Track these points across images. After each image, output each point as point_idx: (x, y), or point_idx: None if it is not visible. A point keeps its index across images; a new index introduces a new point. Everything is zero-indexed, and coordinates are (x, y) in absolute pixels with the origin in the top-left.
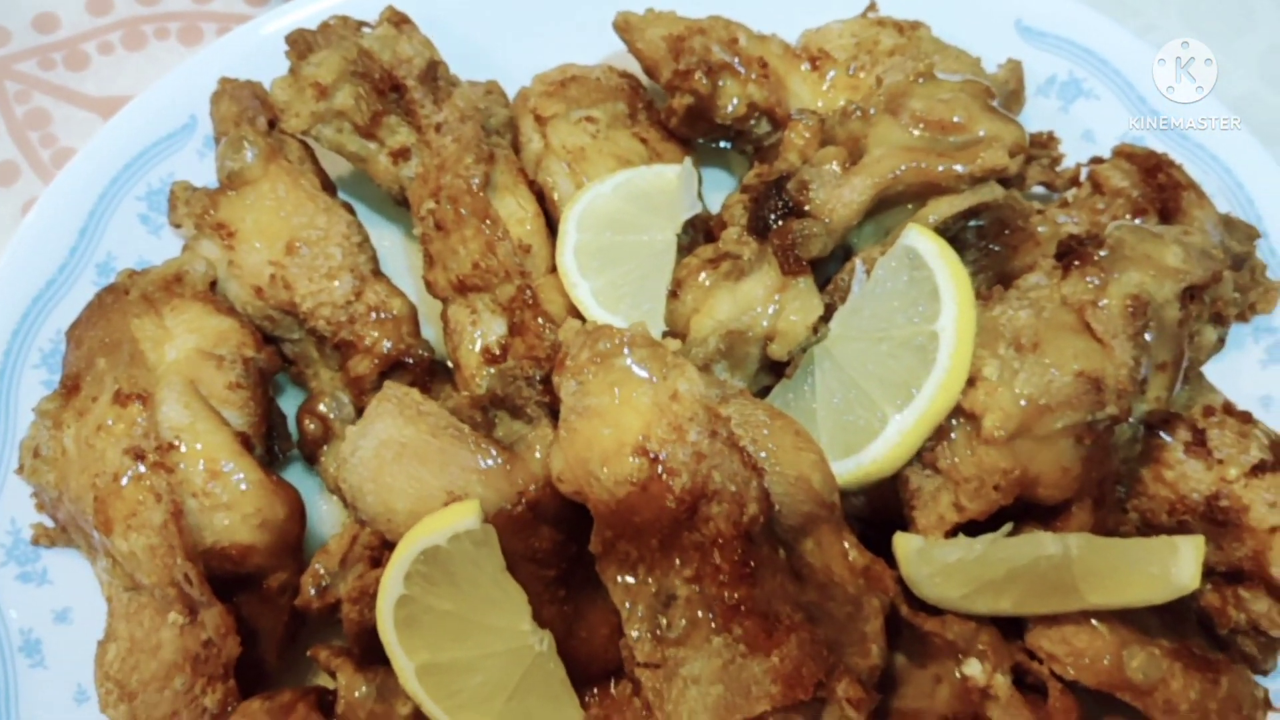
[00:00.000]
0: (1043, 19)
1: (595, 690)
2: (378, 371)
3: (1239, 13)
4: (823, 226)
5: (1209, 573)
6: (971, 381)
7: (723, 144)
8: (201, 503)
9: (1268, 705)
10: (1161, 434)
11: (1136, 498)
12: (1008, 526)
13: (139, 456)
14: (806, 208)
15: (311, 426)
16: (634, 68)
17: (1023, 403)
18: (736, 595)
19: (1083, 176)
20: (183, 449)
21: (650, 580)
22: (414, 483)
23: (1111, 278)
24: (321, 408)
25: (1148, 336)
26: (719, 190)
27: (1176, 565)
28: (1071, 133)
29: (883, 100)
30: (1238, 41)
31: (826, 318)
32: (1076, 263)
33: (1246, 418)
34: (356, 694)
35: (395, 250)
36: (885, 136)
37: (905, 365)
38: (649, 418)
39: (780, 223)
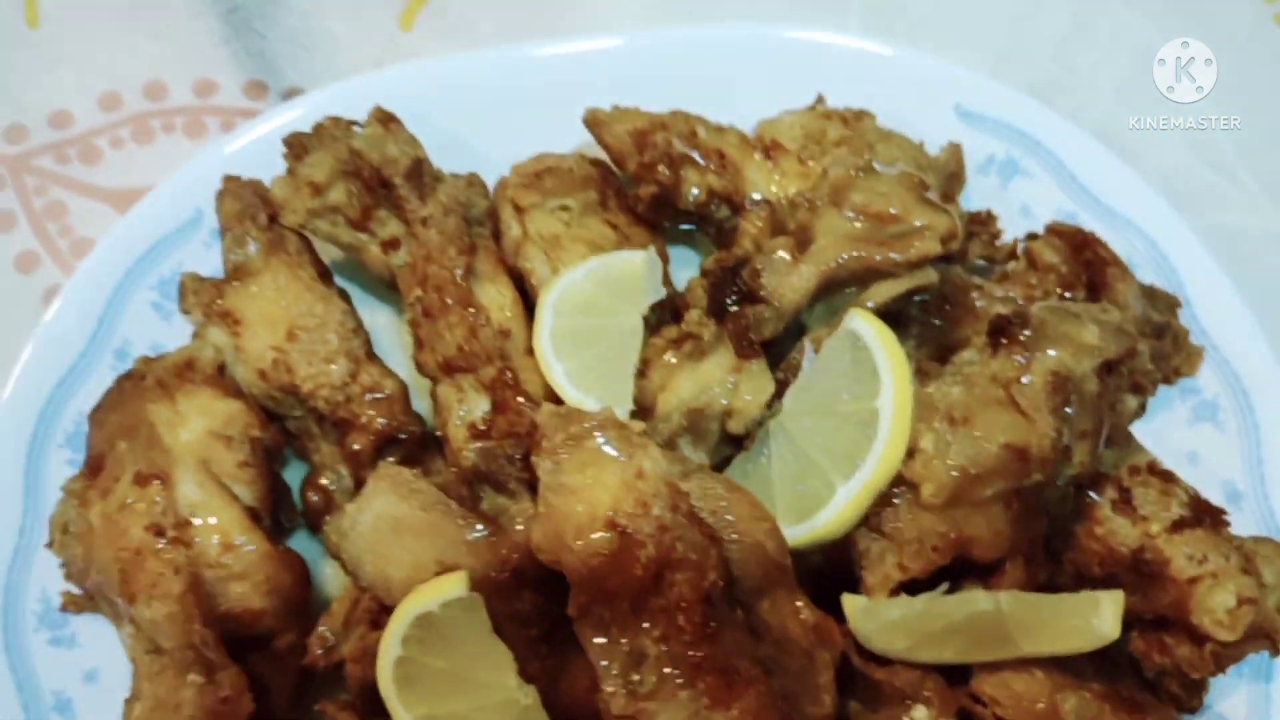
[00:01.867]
0: (980, 103)
1: None
2: (373, 446)
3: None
4: (774, 311)
5: (1137, 620)
6: (910, 453)
7: (687, 226)
8: (216, 573)
9: None
10: (1091, 494)
11: (1070, 551)
12: (944, 585)
13: (159, 532)
14: (760, 293)
15: (314, 498)
16: (604, 155)
17: (954, 473)
18: (700, 653)
19: (1019, 251)
20: (198, 524)
21: (623, 640)
22: (408, 554)
23: (1035, 356)
24: (323, 481)
25: (1069, 409)
26: (686, 266)
27: (1098, 617)
28: (1010, 208)
29: (827, 192)
30: (1171, 116)
31: (780, 394)
32: (1004, 341)
33: (1169, 476)
34: None
35: (388, 329)
36: (830, 227)
37: (850, 438)
38: (617, 494)
39: (736, 306)
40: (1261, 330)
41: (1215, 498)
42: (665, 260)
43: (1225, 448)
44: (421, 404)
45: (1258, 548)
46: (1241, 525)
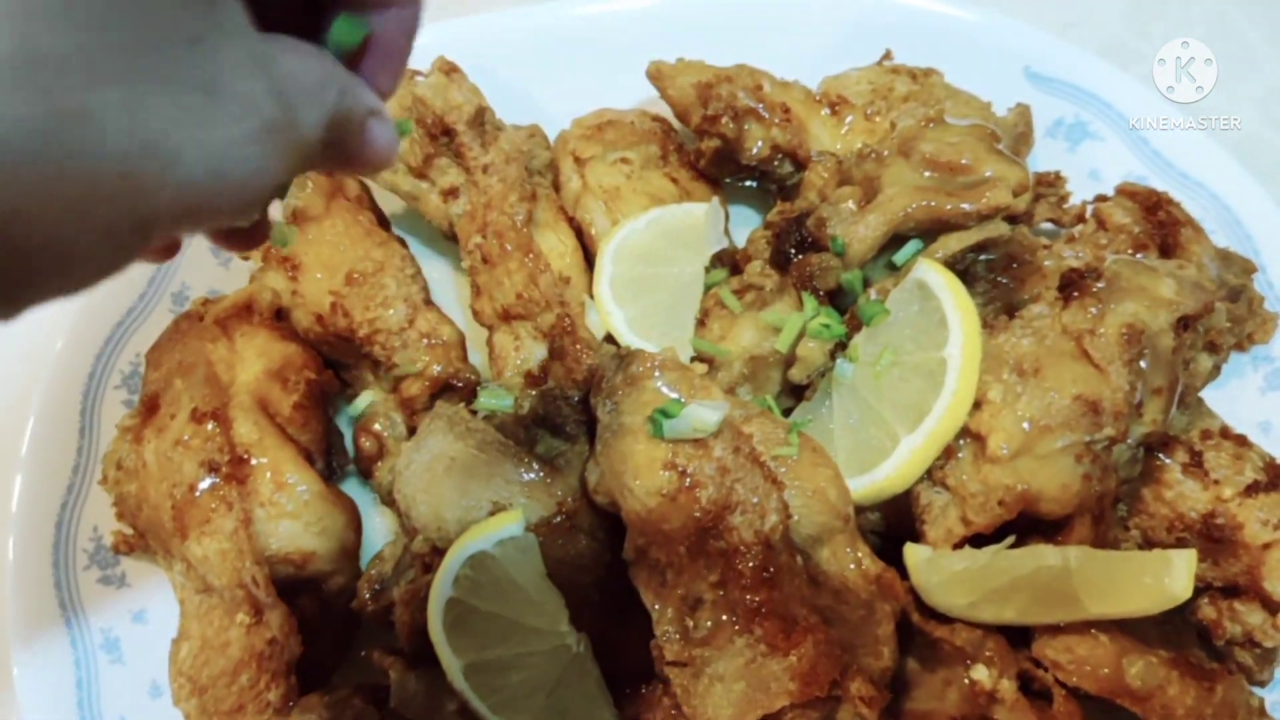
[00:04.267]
0: (1050, 65)
1: (628, 690)
2: (429, 393)
3: (1240, 57)
4: (840, 259)
5: (1207, 588)
6: (978, 404)
7: (749, 183)
8: (268, 511)
9: (1262, 714)
10: (1161, 456)
11: (1138, 515)
12: (1010, 539)
13: (213, 469)
14: (825, 242)
15: (367, 444)
16: (666, 112)
17: (1025, 424)
18: (757, 599)
19: (1088, 214)
20: (252, 463)
21: (679, 585)
22: (462, 494)
23: (1108, 308)
24: (377, 426)
25: (1142, 363)
26: (745, 226)
27: (1170, 576)
28: (1079, 172)
29: (895, 143)
30: (1239, 86)
31: (844, 344)
32: (1076, 294)
33: (1242, 441)
34: (407, 691)
35: (445, 281)
36: (898, 177)
37: (916, 388)
38: None
39: (800, 256)
40: None
41: None
42: (726, 216)
43: None
44: (477, 356)
45: None
46: None
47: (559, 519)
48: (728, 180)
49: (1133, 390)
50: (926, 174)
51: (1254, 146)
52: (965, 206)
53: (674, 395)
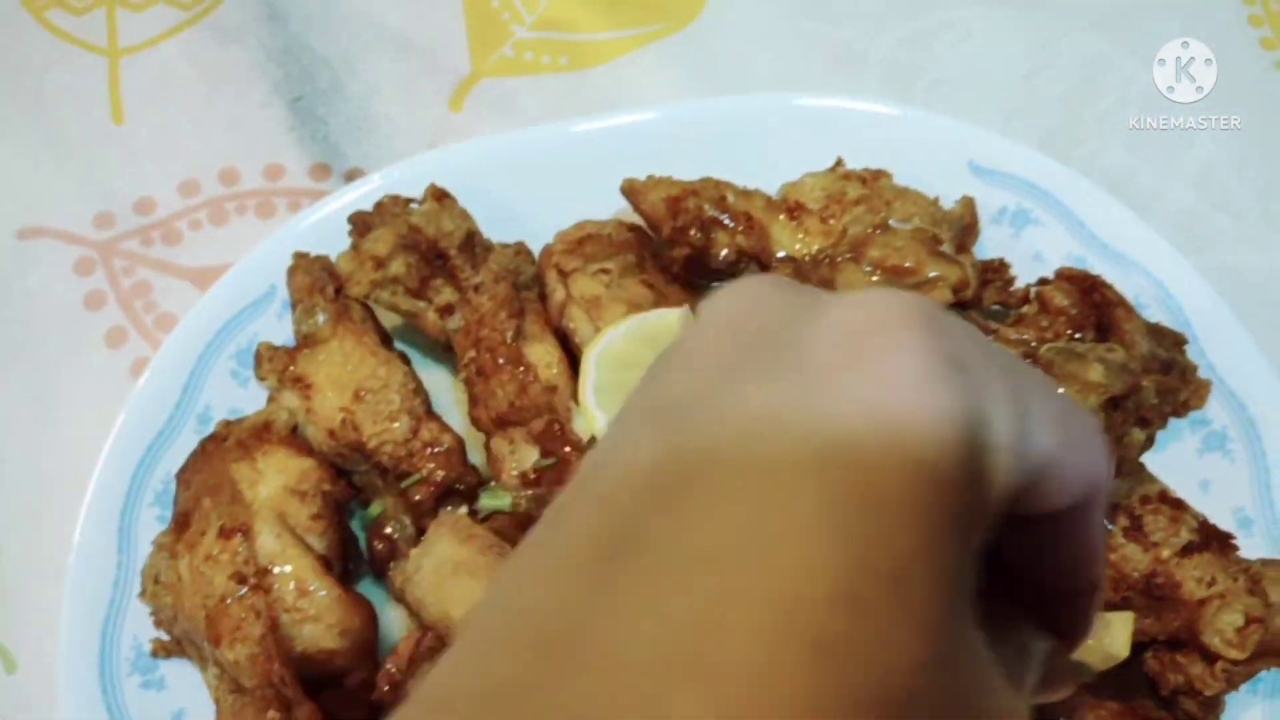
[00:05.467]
0: (992, 159)
1: None
2: (433, 497)
3: (1175, 131)
4: None
5: (1152, 642)
6: None
7: (720, 284)
8: (293, 616)
9: None
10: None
11: None
12: None
13: (241, 580)
14: None
15: (379, 546)
16: (641, 220)
17: None
18: None
19: (1032, 295)
20: (276, 572)
21: None
22: (467, 594)
23: None
24: (388, 530)
25: None
26: None
27: (1110, 637)
28: (1023, 255)
29: (846, 249)
30: (1173, 161)
31: None
32: None
33: (1179, 504)
34: None
35: (445, 387)
36: (850, 280)
37: None
38: None
39: None
40: (1266, 361)
41: (1228, 523)
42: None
43: (1235, 476)
44: (477, 457)
45: (1265, 569)
46: (1253, 549)
47: None
48: (700, 282)
49: None
50: (875, 277)
51: (1188, 220)
52: None
53: None
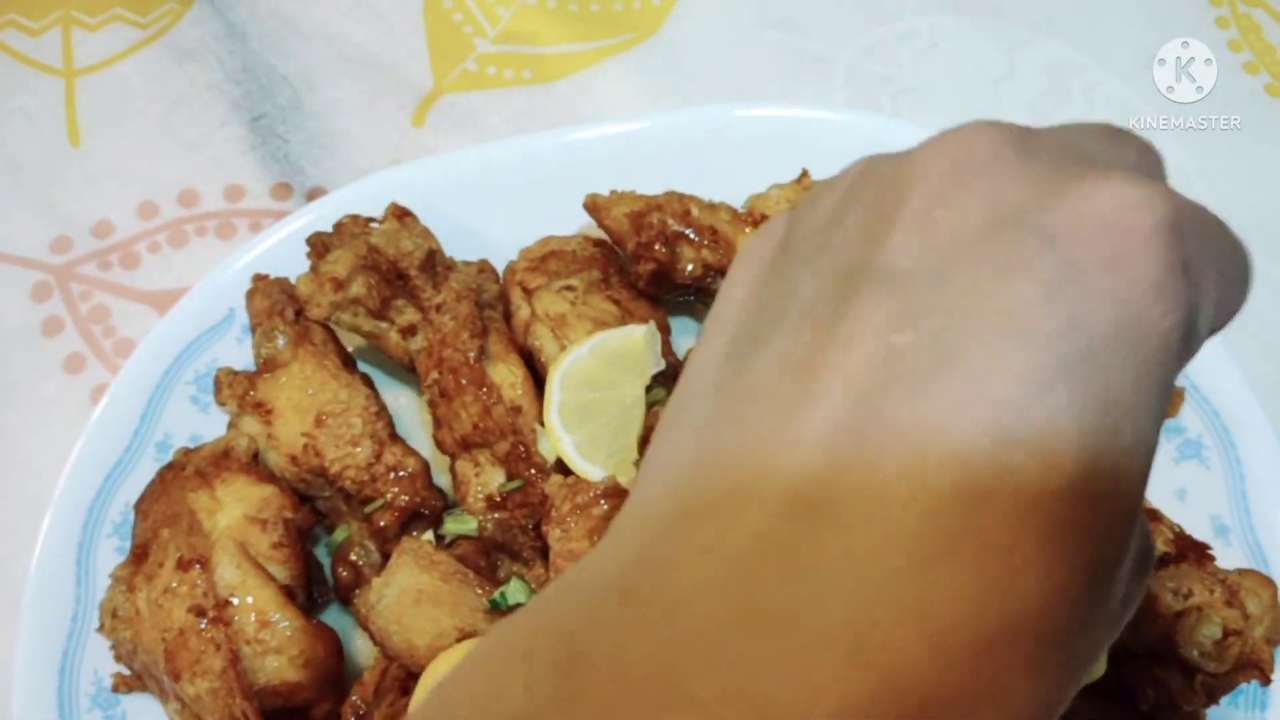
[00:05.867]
0: None
1: None
2: (398, 522)
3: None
4: None
5: (1132, 655)
6: None
7: (687, 297)
8: (254, 649)
9: None
10: None
11: None
12: None
13: (200, 613)
14: None
15: (344, 573)
16: (604, 233)
17: None
18: None
19: None
20: (236, 604)
21: None
22: (431, 623)
23: None
24: (352, 557)
25: None
26: (686, 334)
27: None
28: None
29: None
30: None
31: None
32: None
33: (1154, 515)
34: None
35: (410, 408)
36: None
37: None
38: None
39: None
40: (1238, 369)
41: (1204, 531)
42: (667, 331)
43: (1211, 484)
44: (443, 479)
45: (1242, 580)
46: (1230, 558)
47: None
48: (666, 297)
49: None
50: None
51: None
52: None
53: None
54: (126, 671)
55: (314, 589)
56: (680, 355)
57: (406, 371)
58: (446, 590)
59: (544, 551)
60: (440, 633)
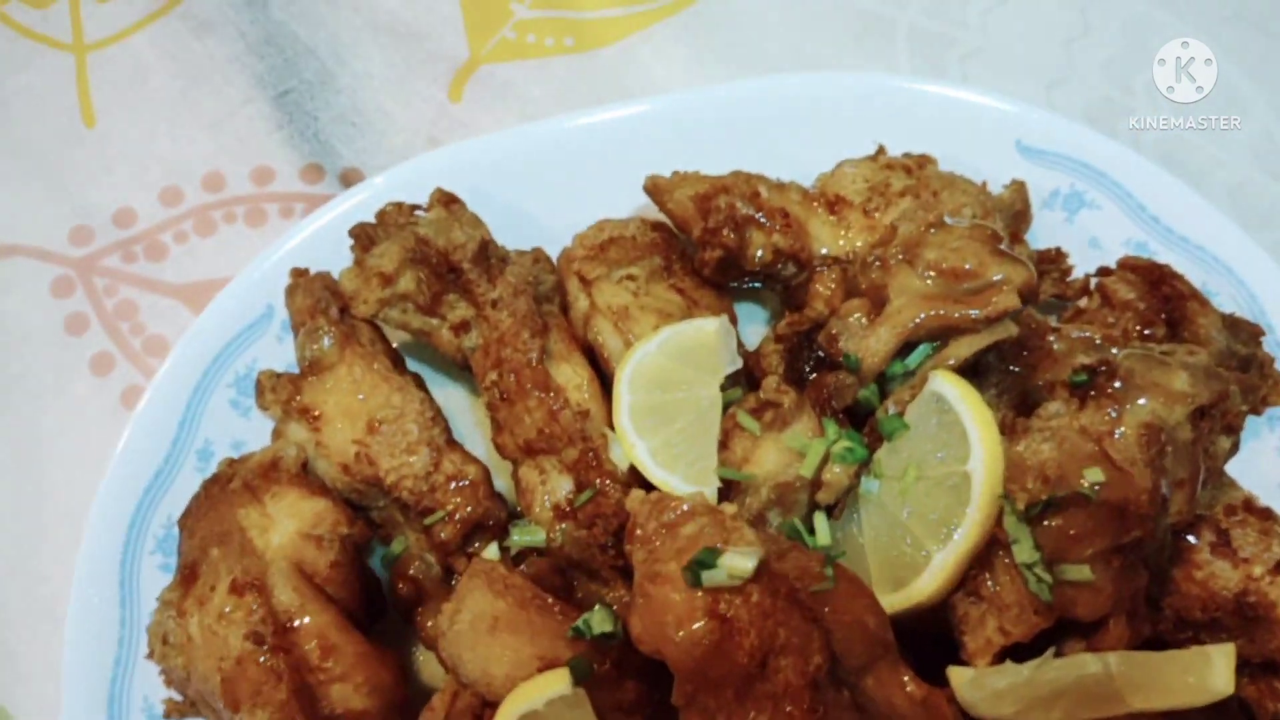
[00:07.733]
0: (1040, 138)
1: None
2: (460, 535)
3: (1228, 102)
4: (854, 378)
5: (1245, 665)
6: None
7: (754, 284)
8: (318, 677)
9: None
10: (1189, 537)
11: (1170, 596)
12: (1051, 650)
13: (259, 641)
14: (839, 358)
15: (404, 588)
16: (664, 217)
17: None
18: None
19: (1092, 285)
20: (296, 629)
21: None
22: (509, 651)
23: (1125, 408)
24: (412, 571)
25: (1164, 460)
26: (752, 322)
27: (1212, 674)
28: (1078, 241)
29: (899, 250)
30: (1228, 132)
31: (867, 461)
32: (1092, 393)
33: (1267, 514)
34: None
35: (463, 407)
36: (904, 286)
37: (943, 503)
38: None
39: (814, 373)
40: None
41: None
42: (735, 323)
43: None
44: (501, 482)
45: None
46: None
47: (605, 668)
48: (733, 284)
49: (1157, 489)
50: (931, 281)
51: (1247, 193)
52: (973, 313)
53: (708, 542)
54: (178, 697)
55: (372, 603)
56: (751, 348)
57: (459, 368)
58: (524, 618)
59: (624, 570)
60: (519, 661)
